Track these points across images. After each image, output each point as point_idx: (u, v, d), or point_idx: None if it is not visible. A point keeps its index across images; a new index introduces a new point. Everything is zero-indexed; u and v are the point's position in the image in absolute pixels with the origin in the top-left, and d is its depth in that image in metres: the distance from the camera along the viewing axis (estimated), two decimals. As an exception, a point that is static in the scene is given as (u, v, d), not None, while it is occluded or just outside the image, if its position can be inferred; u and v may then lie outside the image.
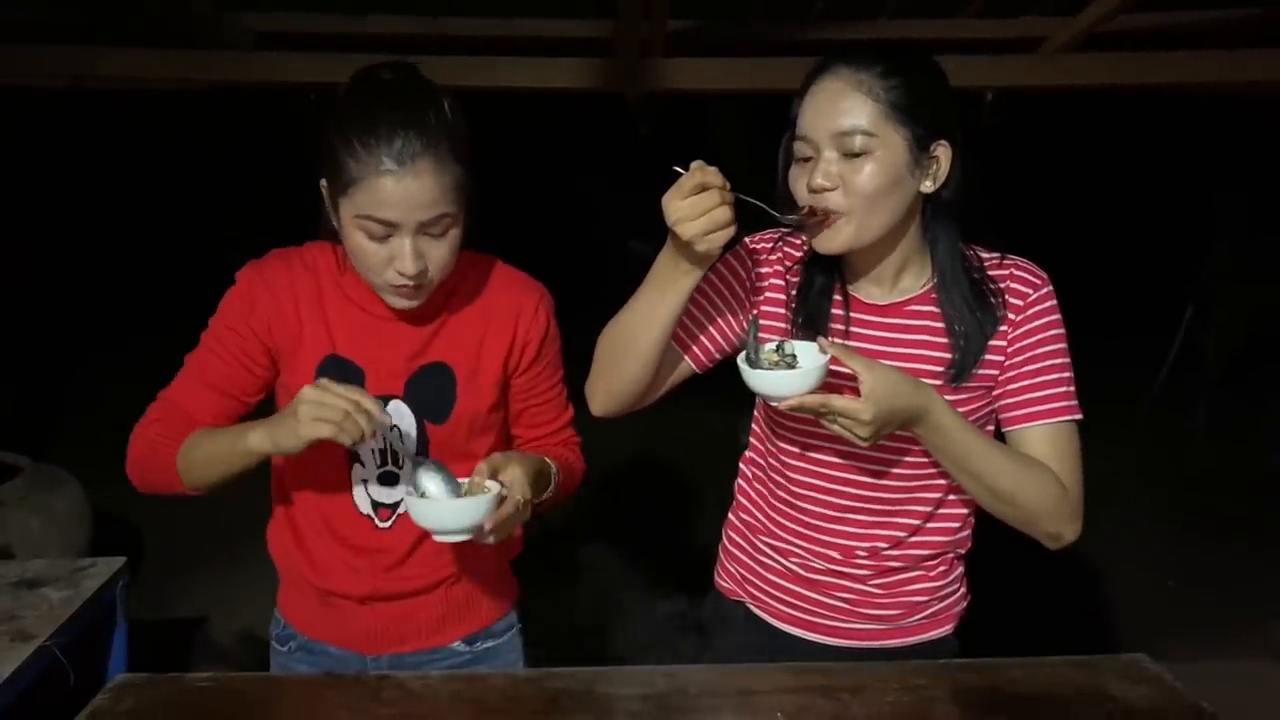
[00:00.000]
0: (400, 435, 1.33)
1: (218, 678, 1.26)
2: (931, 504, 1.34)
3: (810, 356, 1.17)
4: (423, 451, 1.35)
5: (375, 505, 1.37)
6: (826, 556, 1.37)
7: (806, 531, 1.38)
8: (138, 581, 2.42)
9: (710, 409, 2.60)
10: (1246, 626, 3.27)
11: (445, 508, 1.17)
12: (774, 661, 1.33)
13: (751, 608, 1.46)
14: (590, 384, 1.31)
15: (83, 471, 3.26)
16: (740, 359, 1.18)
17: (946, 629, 1.42)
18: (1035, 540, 1.29)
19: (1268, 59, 3.19)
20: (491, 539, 1.21)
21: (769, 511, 1.43)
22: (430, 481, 1.22)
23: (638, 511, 4.02)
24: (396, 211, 1.17)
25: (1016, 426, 1.28)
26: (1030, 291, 1.28)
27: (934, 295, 1.29)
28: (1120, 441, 4.74)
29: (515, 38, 3.14)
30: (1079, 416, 1.28)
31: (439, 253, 1.23)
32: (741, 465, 1.52)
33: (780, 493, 1.40)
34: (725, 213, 1.07)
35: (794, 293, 1.34)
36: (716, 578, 1.54)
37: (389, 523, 1.38)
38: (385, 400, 1.31)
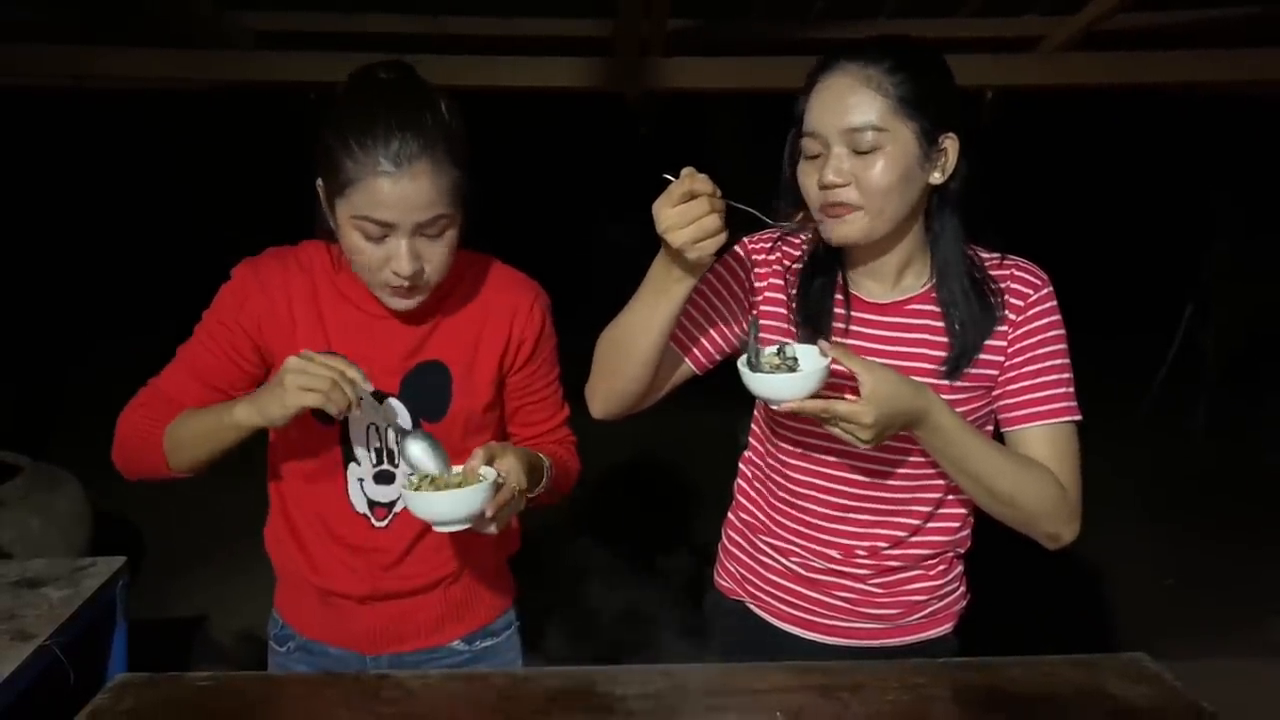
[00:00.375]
0: (394, 426, 1.33)
1: (218, 677, 1.26)
2: (931, 504, 1.34)
3: (811, 360, 1.17)
4: None
5: (371, 504, 1.37)
6: (826, 556, 1.37)
7: (806, 531, 1.38)
8: (138, 581, 2.42)
9: (710, 409, 2.60)
10: (1246, 625, 3.27)
11: (444, 497, 1.17)
12: (774, 661, 1.33)
13: (751, 607, 1.46)
14: (590, 386, 1.31)
15: (83, 471, 3.26)
16: (741, 363, 1.18)
17: (946, 628, 1.42)
18: (1034, 540, 1.29)
19: (1266, 58, 3.20)
20: (493, 528, 1.21)
21: (769, 511, 1.43)
22: (418, 449, 1.23)
23: (638, 511, 4.02)
24: (393, 213, 1.17)
25: (1016, 427, 1.28)
26: (1030, 292, 1.28)
27: (934, 294, 1.29)
28: (1120, 441, 4.74)
29: (515, 37, 3.14)
30: (1078, 417, 1.28)
31: (436, 254, 1.23)
32: (741, 465, 1.52)
33: (780, 492, 1.40)
34: (714, 220, 1.07)
35: (794, 292, 1.34)
36: (716, 577, 1.54)
37: (385, 522, 1.38)
38: (379, 399, 1.31)
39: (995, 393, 1.30)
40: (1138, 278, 6.66)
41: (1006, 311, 1.28)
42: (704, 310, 1.33)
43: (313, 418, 1.31)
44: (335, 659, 1.44)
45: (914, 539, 1.36)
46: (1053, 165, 7.42)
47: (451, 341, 1.36)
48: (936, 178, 1.22)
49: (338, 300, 1.33)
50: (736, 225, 1.12)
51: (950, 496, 1.35)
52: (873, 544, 1.35)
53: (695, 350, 1.33)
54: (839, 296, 1.31)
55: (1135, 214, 7.52)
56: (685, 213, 1.06)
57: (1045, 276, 1.30)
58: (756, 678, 1.26)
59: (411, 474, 1.25)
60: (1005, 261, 1.32)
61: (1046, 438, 1.27)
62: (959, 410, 1.23)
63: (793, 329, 1.32)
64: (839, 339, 1.29)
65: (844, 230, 1.21)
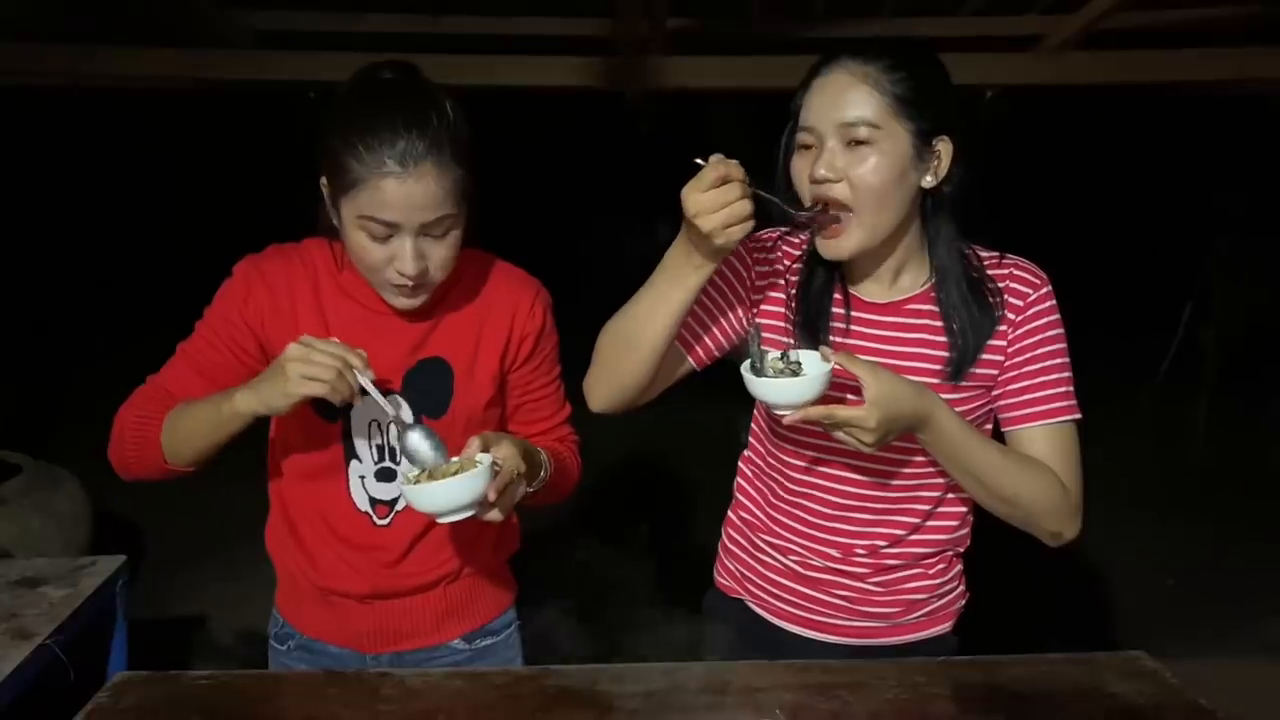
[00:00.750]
0: (395, 421, 1.32)
1: (218, 675, 1.26)
2: (931, 503, 1.34)
3: (814, 364, 1.17)
4: None
5: (373, 502, 1.37)
6: (826, 555, 1.37)
7: (806, 530, 1.38)
8: (137, 580, 2.42)
9: (710, 408, 2.60)
10: (1246, 624, 3.27)
11: (442, 486, 1.15)
12: (773, 659, 1.33)
13: (751, 605, 1.46)
14: (590, 380, 1.30)
15: (83, 471, 3.26)
16: (744, 368, 1.18)
17: (945, 626, 1.42)
18: (1034, 538, 1.29)
19: (1266, 56, 3.20)
20: (495, 514, 1.20)
21: (768, 510, 1.43)
22: (415, 438, 1.22)
23: (637, 510, 4.02)
24: (398, 213, 1.17)
25: (1016, 426, 1.28)
26: (1030, 292, 1.28)
27: (933, 294, 1.29)
28: (1120, 440, 4.74)
29: (515, 36, 3.14)
30: (1078, 416, 1.28)
31: (440, 253, 1.23)
32: (741, 464, 1.52)
33: (780, 491, 1.40)
34: (746, 205, 1.07)
35: (794, 292, 1.34)
36: (716, 576, 1.54)
37: (387, 520, 1.38)
38: (382, 394, 1.31)
39: (995, 392, 1.30)
40: (1138, 277, 6.66)
41: (1006, 311, 1.28)
42: (707, 306, 1.32)
43: (314, 413, 1.31)
44: (336, 657, 1.44)
45: (913, 538, 1.36)
46: (1052, 164, 7.42)
47: (453, 338, 1.36)
48: (928, 181, 1.22)
49: (340, 297, 1.33)
50: (758, 217, 1.12)
51: (949, 495, 1.35)
52: (872, 543, 1.35)
53: (697, 346, 1.33)
54: (838, 297, 1.32)
55: (1135, 213, 7.53)
56: (718, 197, 1.06)
57: (1044, 276, 1.30)
58: (756, 676, 1.26)
59: (411, 470, 1.25)
60: (1004, 261, 1.31)
61: (1047, 437, 1.27)
62: (959, 410, 1.23)
63: (792, 329, 1.32)
64: (840, 341, 1.29)
65: (839, 246, 1.21)
